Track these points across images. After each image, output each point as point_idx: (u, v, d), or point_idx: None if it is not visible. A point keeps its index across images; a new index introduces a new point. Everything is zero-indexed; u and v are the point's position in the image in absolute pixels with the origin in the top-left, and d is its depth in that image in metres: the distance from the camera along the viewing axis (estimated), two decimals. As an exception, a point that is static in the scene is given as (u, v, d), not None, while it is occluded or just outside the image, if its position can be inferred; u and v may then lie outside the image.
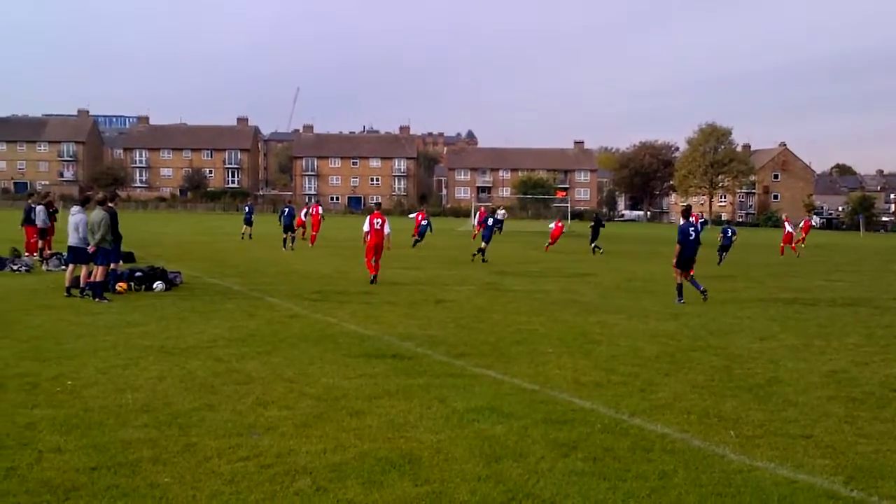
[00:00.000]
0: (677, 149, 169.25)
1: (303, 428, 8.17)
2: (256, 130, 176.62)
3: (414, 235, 43.19)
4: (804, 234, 48.32)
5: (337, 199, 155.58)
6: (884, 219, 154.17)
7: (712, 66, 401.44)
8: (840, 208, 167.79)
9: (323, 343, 12.94)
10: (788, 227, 45.36)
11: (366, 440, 7.82)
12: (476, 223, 50.46)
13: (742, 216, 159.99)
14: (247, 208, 47.33)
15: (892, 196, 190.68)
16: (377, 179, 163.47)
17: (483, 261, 32.38)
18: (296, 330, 14.19)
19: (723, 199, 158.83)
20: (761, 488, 6.78)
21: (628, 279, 26.38)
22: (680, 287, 19.94)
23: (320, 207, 43.50)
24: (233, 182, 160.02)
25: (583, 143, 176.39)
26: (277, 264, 28.41)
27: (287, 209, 37.21)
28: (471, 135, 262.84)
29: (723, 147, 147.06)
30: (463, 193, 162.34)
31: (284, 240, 35.99)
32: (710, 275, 28.20)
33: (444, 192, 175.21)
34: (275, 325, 14.65)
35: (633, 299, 20.31)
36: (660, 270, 30.55)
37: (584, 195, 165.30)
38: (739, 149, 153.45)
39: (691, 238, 20.04)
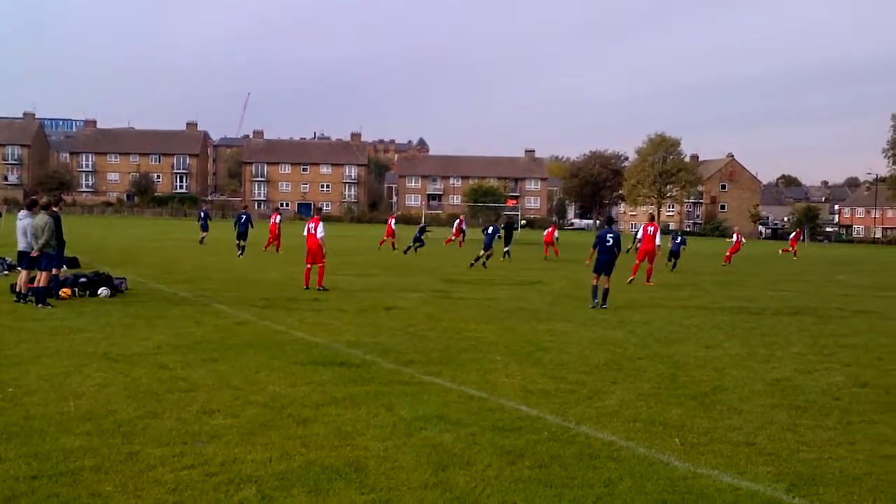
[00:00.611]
0: (627, 158, 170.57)
1: (248, 436, 8.09)
2: (206, 135, 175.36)
3: (385, 240, 46.87)
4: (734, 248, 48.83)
5: (287, 205, 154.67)
6: (828, 229, 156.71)
7: (662, 78, 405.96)
8: (785, 218, 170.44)
9: (270, 350, 12.84)
10: (736, 238, 46.23)
11: (312, 448, 7.77)
12: (454, 230, 51.33)
13: (689, 226, 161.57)
14: (202, 214, 48.11)
15: (835, 207, 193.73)
16: (327, 186, 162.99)
17: (483, 266, 33.58)
18: (243, 337, 14.07)
19: (671, 209, 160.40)
20: (705, 495, 6.84)
21: (578, 287, 26.49)
22: (594, 289, 20.48)
23: (279, 215, 43.31)
24: (181, 187, 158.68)
25: (534, 151, 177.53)
26: (226, 270, 28.19)
27: (243, 216, 36.82)
28: (422, 142, 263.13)
29: (671, 157, 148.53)
30: (413, 201, 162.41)
31: (238, 246, 35.55)
32: (659, 283, 28.46)
33: (395, 199, 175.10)
34: (222, 332, 14.52)
35: (583, 307, 20.41)
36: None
37: (534, 203, 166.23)
38: (688, 159, 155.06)
39: (608, 244, 20.53)
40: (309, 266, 22.66)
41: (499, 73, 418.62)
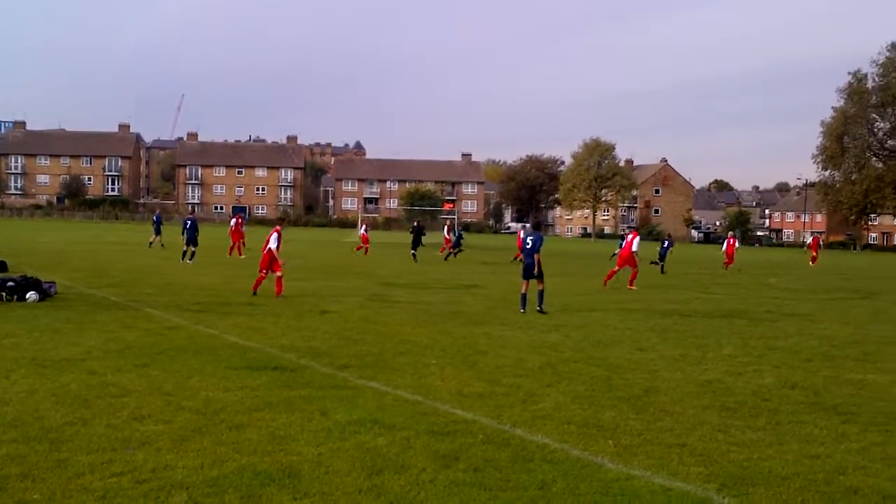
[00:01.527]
0: (563, 163, 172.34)
1: (180, 442, 7.98)
2: (138, 137, 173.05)
3: (361, 247, 47.33)
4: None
5: (221, 208, 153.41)
6: (759, 233, 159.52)
7: (598, 83, 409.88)
8: (718, 223, 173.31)
9: (203, 355, 12.68)
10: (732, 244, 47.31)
11: (245, 454, 7.68)
12: (446, 236, 51.50)
13: (624, 230, 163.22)
14: (155, 218, 48.42)
15: (766, 211, 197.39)
16: (263, 189, 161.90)
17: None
18: (175, 342, 13.87)
19: (606, 213, 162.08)
20: (638, 496, 6.90)
21: (515, 291, 26.52)
22: (523, 297, 20.40)
23: (241, 219, 42.93)
24: (113, 190, 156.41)
25: (470, 155, 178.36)
26: (158, 274, 27.80)
27: (188, 221, 36.10)
28: (359, 146, 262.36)
29: (606, 162, 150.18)
30: (350, 204, 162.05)
31: (184, 252, 34.75)
32: (597, 287, 28.73)
33: (331, 202, 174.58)
34: (153, 337, 14.30)
35: (518, 311, 20.48)
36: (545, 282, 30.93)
37: (471, 207, 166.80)
38: (622, 164, 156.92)
39: (527, 247, 20.70)
40: (263, 273, 22.14)
41: (436, 77, 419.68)
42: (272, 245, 22.02)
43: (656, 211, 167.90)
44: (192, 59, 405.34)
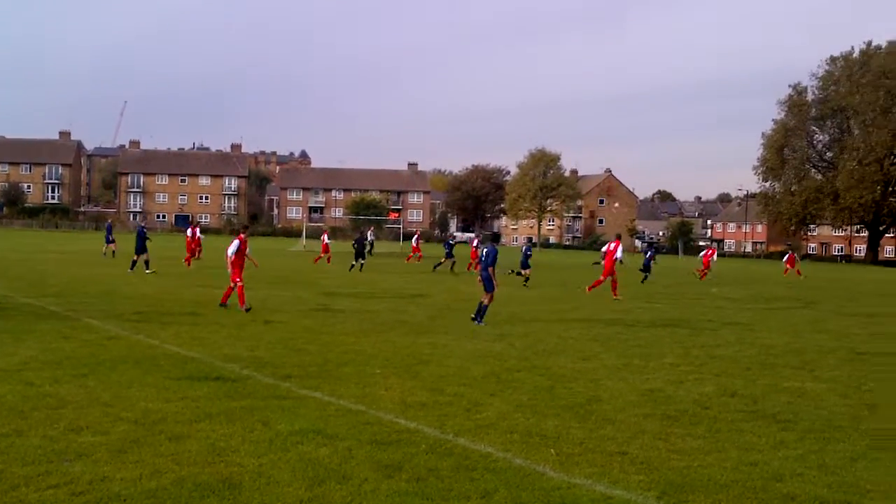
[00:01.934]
0: (508, 172, 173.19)
1: (118, 454, 7.86)
2: (79, 145, 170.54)
3: (321, 257, 47.98)
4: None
5: (164, 217, 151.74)
6: (701, 243, 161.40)
7: (542, 94, 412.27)
8: (661, 233, 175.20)
9: (143, 365, 12.52)
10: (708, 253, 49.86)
11: (185, 465, 7.59)
12: (413, 245, 51.77)
13: (569, 239, 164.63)
14: (107, 227, 48.70)
15: (708, 222, 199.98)
16: (206, 197, 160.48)
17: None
18: (114, 352, 13.68)
19: (551, 223, 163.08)
20: (579, 505, 6.94)
21: (459, 300, 26.65)
22: (482, 307, 20.22)
23: (198, 228, 42.42)
24: (53, 198, 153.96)
25: (416, 164, 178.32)
26: (98, 284, 27.41)
27: (139, 230, 35.42)
28: (304, 154, 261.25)
29: (552, 172, 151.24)
30: (295, 213, 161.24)
31: (134, 261, 34.01)
32: (542, 297, 28.87)
33: (276, 211, 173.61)
34: (92, 347, 14.08)
35: (463, 320, 20.52)
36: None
37: (416, 217, 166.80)
38: (567, 174, 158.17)
39: (481, 260, 20.63)
40: (240, 283, 21.23)
41: (382, 86, 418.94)
42: (229, 253, 21.32)
43: (601, 221, 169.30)
44: (135, 66, 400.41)
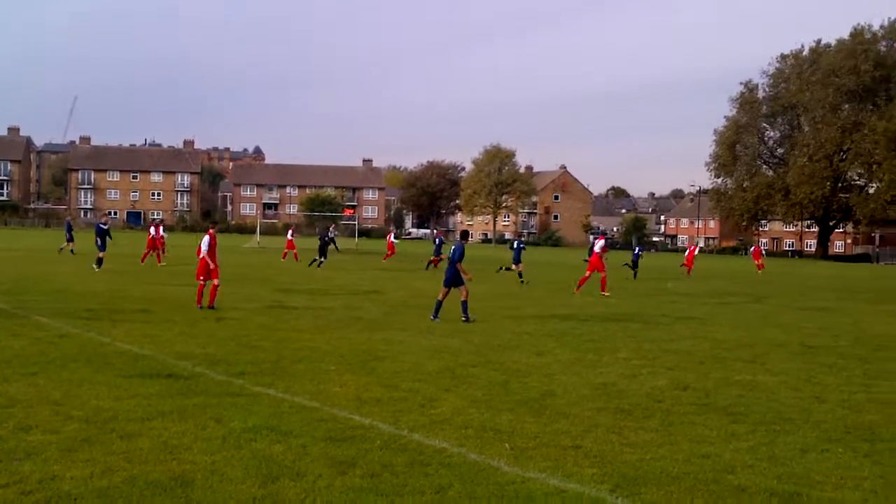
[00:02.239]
0: (463, 169, 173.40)
1: (68, 452, 7.75)
2: (29, 141, 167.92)
3: (287, 253, 47.61)
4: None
5: (115, 213, 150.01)
6: (654, 238, 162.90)
7: (498, 91, 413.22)
8: (615, 228, 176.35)
9: (94, 363, 12.36)
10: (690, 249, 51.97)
11: (136, 463, 7.51)
12: (391, 241, 51.69)
13: (524, 235, 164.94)
14: (66, 224, 48.62)
15: (661, 217, 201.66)
16: (159, 194, 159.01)
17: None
18: (65, 350, 13.48)
19: (506, 219, 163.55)
20: (532, 498, 6.96)
21: (414, 296, 26.66)
22: (438, 303, 20.19)
23: (161, 227, 41.89)
24: (1, 195, 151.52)
25: (371, 161, 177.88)
26: (49, 281, 27.03)
27: (98, 227, 34.75)
28: (258, 150, 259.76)
29: (506, 168, 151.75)
30: (249, 210, 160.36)
31: (100, 259, 33.43)
32: (497, 293, 28.92)
33: (230, 208, 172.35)
34: (42, 345, 13.87)
35: (419, 316, 20.52)
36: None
37: (372, 213, 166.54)
38: (522, 170, 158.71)
39: (448, 257, 20.58)
40: (202, 282, 20.92)
41: (336, 82, 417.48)
42: (203, 250, 20.92)
43: (556, 217, 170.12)
44: (86, 61, 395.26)
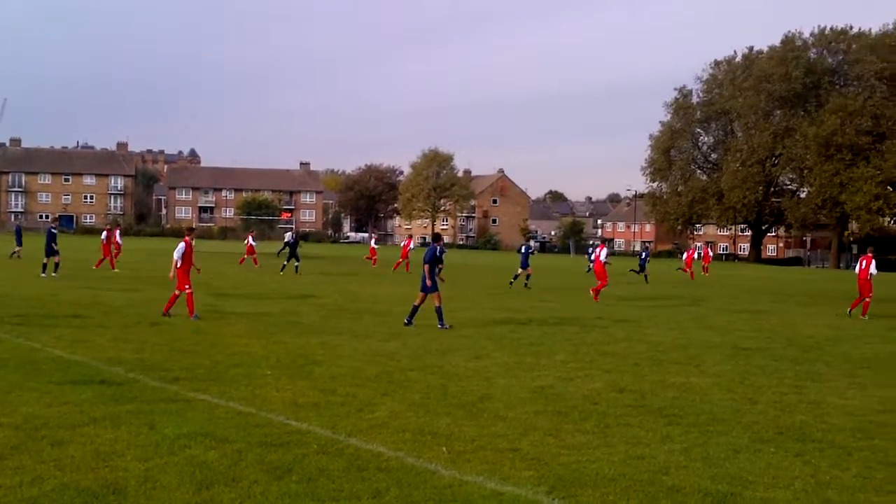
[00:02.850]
0: (402, 172, 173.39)
1: (-3, 461, 7.59)
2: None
3: (245, 258, 47.39)
4: (689, 263, 54.26)
5: (47, 216, 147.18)
6: (591, 242, 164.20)
7: (436, 94, 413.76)
8: (553, 232, 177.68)
9: (24, 369, 12.11)
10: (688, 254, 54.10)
11: (67, 471, 7.37)
12: (373, 246, 51.31)
13: (463, 239, 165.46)
14: (15, 229, 48.82)
15: (599, 221, 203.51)
16: (91, 197, 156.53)
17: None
18: (-6, 356, 13.20)
19: (445, 223, 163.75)
20: (470, 501, 6.97)
21: (351, 300, 26.56)
22: (414, 308, 20.00)
23: (116, 232, 41.02)
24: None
25: (308, 164, 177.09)
26: (-23, 286, 26.43)
27: (50, 231, 33.72)
28: (193, 153, 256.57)
29: (445, 172, 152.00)
30: (184, 213, 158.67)
31: (44, 265, 32.33)
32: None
33: (164, 211, 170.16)
34: (-30, 352, 13.56)
35: (356, 320, 20.46)
36: (383, 291, 31.01)
37: (309, 217, 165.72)
38: (461, 174, 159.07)
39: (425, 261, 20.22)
40: (177, 292, 20.14)
41: (273, 83, 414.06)
42: (176, 257, 20.08)
43: (494, 221, 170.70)
44: (15, 61, 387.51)
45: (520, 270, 37.29)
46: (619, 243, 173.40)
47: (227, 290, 29.12)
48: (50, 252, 32.41)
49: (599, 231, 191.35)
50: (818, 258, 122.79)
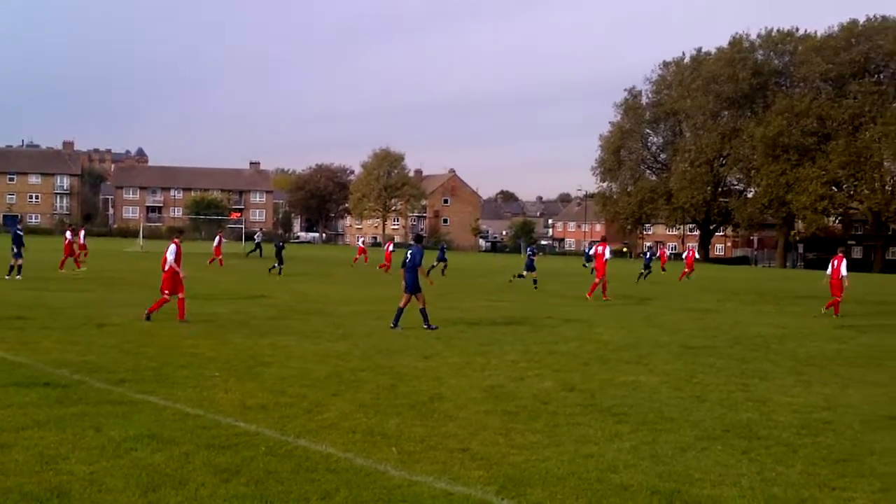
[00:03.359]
0: (353, 172, 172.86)
1: (-64, 466, 7.44)
2: None
3: (214, 259, 46.53)
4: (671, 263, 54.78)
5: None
6: (542, 242, 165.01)
7: (387, 93, 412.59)
8: (504, 232, 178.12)
9: (-34, 372, 11.89)
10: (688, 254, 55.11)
11: (11, 475, 7.24)
12: (388, 251, 51.80)
13: (589, 244, 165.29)
14: None
15: (549, 221, 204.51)
16: (37, 197, 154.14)
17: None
18: (-66, 359, 12.95)
19: (396, 222, 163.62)
20: (420, 502, 6.96)
21: (302, 300, 26.43)
22: (399, 310, 19.80)
23: (81, 233, 40.30)
24: None
25: (258, 163, 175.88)
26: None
27: (16, 232, 32.87)
28: (141, 152, 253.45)
29: (396, 172, 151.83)
30: (132, 213, 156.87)
31: (11, 267, 31.45)
32: (386, 296, 28.87)
33: (112, 211, 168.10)
34: None
35: (306, 321, 20.35)
36: (334, 291, 30.91)
37: (259, 216, 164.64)
38: (412, 174, 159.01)
39: (406, 262, 20.12)
40: (167, 296, 19.65)
41: (222, 82, 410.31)
42: (170, 260, 19.55)
43: (445, 220, 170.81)
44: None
45: (525, 272, 38.84)
46: (570, 243, 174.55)
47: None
48: (17, 254, 31.66)
49: (550, 231, 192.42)
50: (765, 257, 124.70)
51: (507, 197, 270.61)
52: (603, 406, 11.14)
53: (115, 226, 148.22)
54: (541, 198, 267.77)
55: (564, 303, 29.91)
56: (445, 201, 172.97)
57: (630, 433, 9.63)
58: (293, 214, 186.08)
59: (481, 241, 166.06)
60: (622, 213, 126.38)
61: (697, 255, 56.51)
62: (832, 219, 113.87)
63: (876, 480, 8.05)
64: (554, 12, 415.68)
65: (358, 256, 58.22)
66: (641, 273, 47.19)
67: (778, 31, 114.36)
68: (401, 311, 19.81)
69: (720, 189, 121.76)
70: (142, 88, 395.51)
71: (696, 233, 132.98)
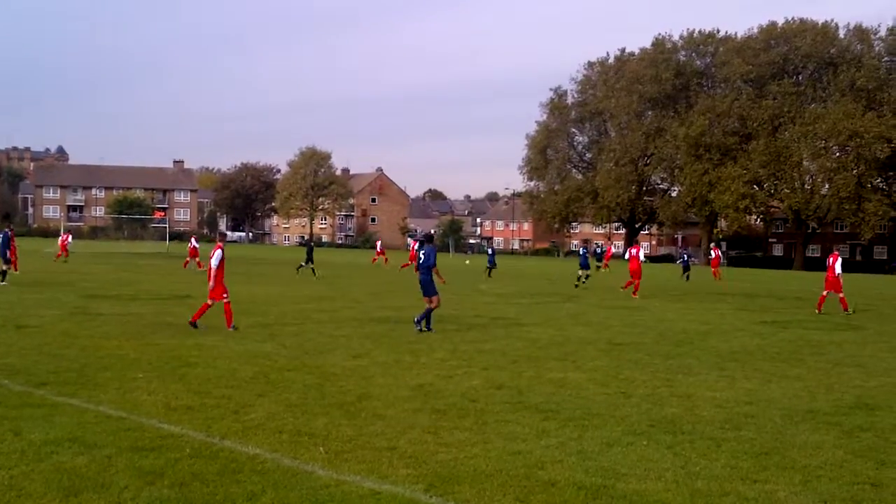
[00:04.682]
0: (279, 171, 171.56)
1: None
2: None
3: (189, 261, 47.37)
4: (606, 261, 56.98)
5: None
6: (471, 241, 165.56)
7: (311, 91, 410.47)
8: (433, 231, 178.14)
9: None
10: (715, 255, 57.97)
11: (-76, 482, 7.03)
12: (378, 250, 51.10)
13: (342, 238, 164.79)
14: None
15: (478, 220, 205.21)
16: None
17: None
18: None
19: (323, 222, 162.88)
20: (347, 501, 6.91)
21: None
22: (428, 312, 19.59)
23: (70, 235, 39.24)
24: None
25: (182, 162, 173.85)
26: None
27: (5, 235, 31.43)
28: (61, 150, 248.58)
29: (323, 170, 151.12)
30: (52, 212, 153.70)
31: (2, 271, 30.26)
32: (314, 296, 28.68)
33: (31, 210, 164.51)
34: None
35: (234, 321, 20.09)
36: (261, 291, 30.61)
37: (184, 215, 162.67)
38: (339, 173, 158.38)
39: (420, 262, 20.05)
40: (211, 302, 18.99)
41: (144, 79, 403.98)
42: (213, 265, 18.71)
43: (373, 219, 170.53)
44: None
45: (580, 271, 40.35)
46: (499, 242, 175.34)
47: (96, 290, 28.30)
48: (6, 260, 30.74)
49: (479, 230, 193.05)
50: (701, 256, 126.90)
51: (436, 196, 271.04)
52: (531, 403, 11.20)
53: (35, 225, 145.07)
54: (469, 196, 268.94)
55: (494, 301, 30.02)
56: (373, 200, 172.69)
57: (557, 430, 9.69)
58: (219, 213, 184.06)
59: (409, 241, 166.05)
60: (549, 211, 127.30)
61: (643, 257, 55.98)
62: (754, 217, 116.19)
63: (797, 473, 8.20)
64: (481, 8, 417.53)
65: (377, 257, 62.99)
66: (580, 276, 41.96)
67: (699, 32, 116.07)
68: (429, 311, 19.69)
69: (645, 188, 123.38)
70: (61, 85, 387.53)
71: (622, 231, 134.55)
